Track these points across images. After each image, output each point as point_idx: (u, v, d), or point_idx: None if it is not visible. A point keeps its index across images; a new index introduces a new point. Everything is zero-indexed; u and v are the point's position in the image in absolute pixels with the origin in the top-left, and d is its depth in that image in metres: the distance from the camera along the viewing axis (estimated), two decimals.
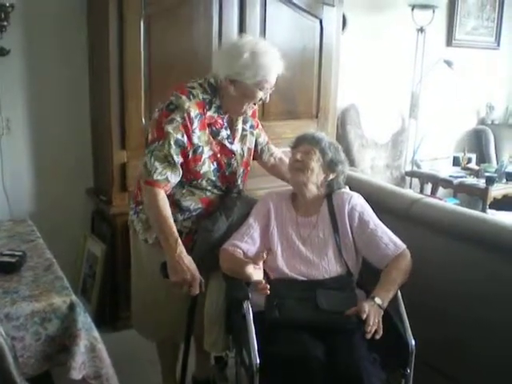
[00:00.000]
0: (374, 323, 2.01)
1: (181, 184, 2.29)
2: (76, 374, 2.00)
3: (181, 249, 2.14)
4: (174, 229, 2.16)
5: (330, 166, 2.33)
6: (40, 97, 3.38)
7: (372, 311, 2.02)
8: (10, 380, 1.73)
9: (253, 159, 2.55)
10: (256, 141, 2.53)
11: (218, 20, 3.29)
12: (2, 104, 3.25)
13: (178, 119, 2.16)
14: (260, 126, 2.58)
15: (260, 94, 2.24)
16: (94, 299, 3.39)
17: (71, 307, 2.04)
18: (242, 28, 3.38)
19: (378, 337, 2.01)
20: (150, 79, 3.15)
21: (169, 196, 2.28)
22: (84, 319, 2.05)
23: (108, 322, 3.33)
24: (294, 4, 3.58)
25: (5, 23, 3.07)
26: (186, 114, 2.16)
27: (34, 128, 3.40)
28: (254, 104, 2.31)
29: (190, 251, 2.32)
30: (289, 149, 2.42)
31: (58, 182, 3.50)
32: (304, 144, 2.33)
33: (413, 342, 2.05)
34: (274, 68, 2.20)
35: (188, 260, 2.14)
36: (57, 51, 3.36)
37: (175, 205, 2.30)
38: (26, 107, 3.36)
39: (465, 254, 2.41)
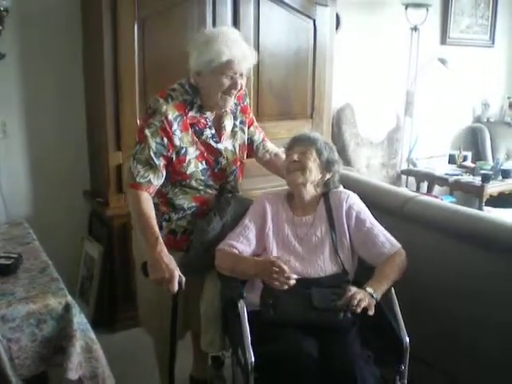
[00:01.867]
0: (362, 300, 2.02)
1: (173, 184, 2.31)
2: (72, 375, 2.01)
3: (161, 247, 2.13)
4: (155, 228, 2.17)
5: (326, 165, 2.34)
6: (35, 100, 3.39)
7: (361, 293, 2.05)
8: (6, 381, 1.75)
9: (249, 156, 2.56)
10: (251, 138, 2.54)
11: (211, 21, 3.31)
12: None
13: (156, 123, 2.19)
14: (255, 124, 2.58)
15: (225, 81, 2.20)
16: (92, 301, 3.40)
17: (67, 308, 2.05)
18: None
19: (371, 313, 2.02)
20: (144, 81, 3.17)
21: (162, 195, 2.31)
22: (80, 320, 2.07)
23: (106, 324, 3.34)
24: (288, 5, 3.60)
25: None
26: (163, 118, 2.19)
27: (30, 131, 3.42)
28: (227, 94, 2.25)
29: (184, 251, 2.34)
30: (283, 149, 2.44)
31: (55, 185, 3.52)
32: (300, 145, 2.34)
33: (407, 339, 2.06)
34: (227, 50, 2.15)
35: (167, 258, 2.12)
36: (52, 55, 3.37)
37: (169, 204, 2.33)
38: (21, 111, 3.37)
39: (458, 251, 2.42)
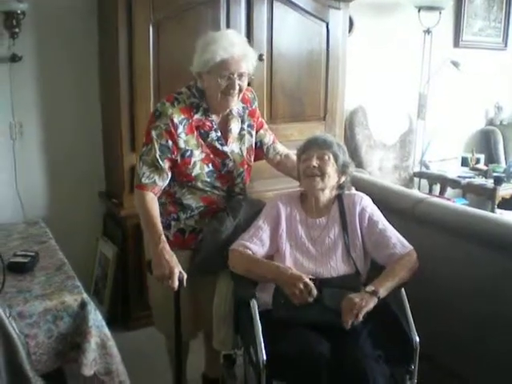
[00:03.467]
0: (354, 309, 2.03)
1: (181, 184, 2.35)
2: (87, 371, 2.05)
3: (163, 245, 2.18)
4: (159, 227, 2.22)
5: (342, 168, 2.36)
6: (52, 102, 3.44)
7: (357, 297, 2.06)
8: (23, 375, 1.78)
9: (259, 158, 2.59)
10: (261, 141, 2.57)
11: (225, 25, 3.34)
12: (15, 109, 3.32)
13: (162, 126, 2.23)
14: (265, 127, 2.61)
15: (222, 82, 2.22)
16: (106, 300, 3.44)
17: (82, 305, 2.09)
18: (249, 32, 3.43)
19: (366, 309, 2.03)
20: (158, 83, 3.21)
21: (170, 195, 2.36)
22: (95, 317, 2.10)
23: (120, 323, 3.38)
24: (301, 8, 3.62)
25: (17, 30, 3.15)
26: (169, 121, 2.23)
27: (46, 133, 3.47)
28: (226, 94, 2.26)
29: (192, 250, 2.38)
30: (294, 151, 2.46)
31: (71, 186, 3.57)
32: (315, 148, 2.33)
33: (417, 339, 2.08)
34: (221, 52, 2.18)
35: (169, 255, 2.16)
36: (68, 57, 3.42)
37: (177, 204, 2.37)
38: (38, 112, 3.42)
39: (469, 252, 2.43)
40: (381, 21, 4.68)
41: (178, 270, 2.13)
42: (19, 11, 3.10)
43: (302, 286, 2.09)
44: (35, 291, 2.14)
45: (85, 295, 2.13)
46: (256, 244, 2.30)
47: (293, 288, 2.10)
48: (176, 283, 2.13)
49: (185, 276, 2.15)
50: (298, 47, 3.67)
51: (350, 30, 4.20)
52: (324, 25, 3.75)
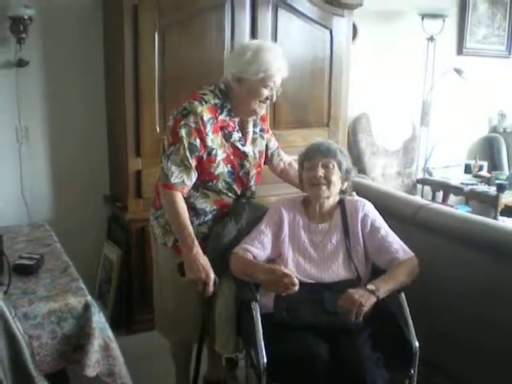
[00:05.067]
0: (354, 305, 2.06)
1: (195, 187, 2.36)
2: (90, 372, 2.06)
3: (197, 249, 2.23)
4: (191, 230, 2.25)
5: (346, 175, 2.38)
6: (57, 106, 3.48)
7: (359, 292, 2.09)
8: (27, 374, 1.81)
9: (264, 163, 2.61)
10: (267, 145, 2.59)
11: (230, 31, 3.38)
12: (21, 113, 3.36)
13: (192, 124, 2.24)
14: (270, 132, 2.64)
15: (265, 92, 2.29)
16: (110, 303, 3.46)
17: (86, 307, 2.11)
18: (253, 39, 3.42)
19: (365, 309, 2.06)
20: (163, 89, 3.24)
21: (184, 200, 2.36)
22: (98, 319, 2.12)
23: (123, 326, 3.40)
24: (305, 15, 3.65)
25: (23, 35, 3.18)
26: (199, 118, 2.24)
27: (52, 137, 3.51)
28: (263, 103, 2.34)
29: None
30: (295, 157, 2.49)
31: (76, 189, 3.60)
32: (320, 157, 2.34)
33: (416, 344, 2.09)
34: (275, 64, 2.25)
35: (204, 260, 2.23)
36: (74, 62, 3.46)
37: (191, 208, 2.37)
38: (44, 117, 3.46)
39: (469, 258, 2.45)
40: (384, 28, 4.70)
41: (213, 275, 2.21)
42: (26, 17, 3.13)
43: (287, 280, 2.12)
44: (40, 293, 2.16)
45: (89, 297, 2.15)
46: (257, 248, 2.32)
47: (277, 284, 2.14)
48: (212, 288, 2.21)
49: (218, 281, 2.23)
50: (301, 54, 3.69)
51: (353, 38, 4.22)
52: (328, 32, 3.77)
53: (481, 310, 2.36)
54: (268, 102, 2.35)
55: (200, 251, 2.24)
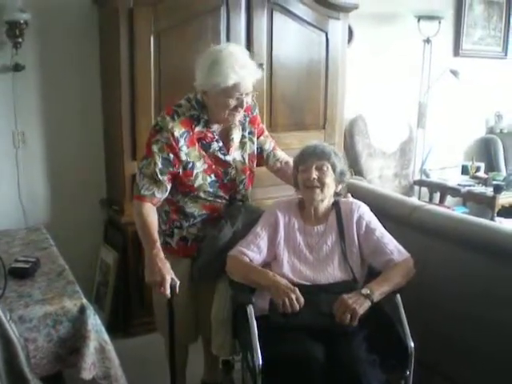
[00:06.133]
0: (348, 311, 2.06)
1: (183, 193, 2.37)
2: (86, 375, 2.07)
3: (156, 252, 2.19)
4: (155, 235, 2.24)
5: (340, 177, 2.38)
6: (54, 111, 3.48)
7: (352, 297, 2.09)
8: (22, 376, 1.81)
9: (260, 165, 2.60)
10: (261, 148, 2.58)
11: (225, 35, 3.39)
12: (18, 118, 3.36)
13: (163, 140, 2.25)
14: (266, 133, 2.62)
15: (231, 102, 2.24)
16: (107, 307, 3.46)
17: (82, 310, 2.11)
18: (249, 42, 3.47)
19: (361, 311, 2.06)
20: (159, 93, 3.25)
21: (173, 204, 2.39)
22: (94, 321, 2.12)
23: (121, 329, 3.39)
24: (300, 18, 3.66)
25: (19, 40, 3.18)
26: (169, 134, 2.25)
27: (49, 141, 3.51)
28: (234, 111, 2.29)
29: (193, 258, 2.41)
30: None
31: (72, 193, 3.60)
32: (314, 159, 2.35)
33: (412, 345, 2.09)
34: (233, 75, 2.18)
35: (162, 262, 2.16)
36: (70, 66, 3.46)
37: (180, 212, 2.39)
38: (40, 121, 3.47)
39: (464, 258, 2.45)
40: (380, 30, 4.70)
41: (169, 277, 2.13)
42: (22, 21, 3.14)
43: (293, 297, 2.11)
44: (36, 296, 2.16)
45: (84, 300, 2.15)
46: (253, 251, 2.32)
47: (284, 296, 2.11)
48: (168, 290, 2.13)
49: (177, 283, 2.15)
50: (297, 57, 3.71)
51: (349, 40, 4.24)
52: (323, 34, 3.79)
53: (476, 311, 2.36)
54: (241, 109, 2.30)
55: (160, 254, 2.18)
